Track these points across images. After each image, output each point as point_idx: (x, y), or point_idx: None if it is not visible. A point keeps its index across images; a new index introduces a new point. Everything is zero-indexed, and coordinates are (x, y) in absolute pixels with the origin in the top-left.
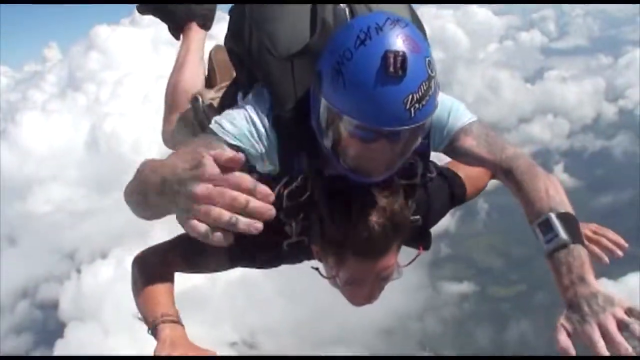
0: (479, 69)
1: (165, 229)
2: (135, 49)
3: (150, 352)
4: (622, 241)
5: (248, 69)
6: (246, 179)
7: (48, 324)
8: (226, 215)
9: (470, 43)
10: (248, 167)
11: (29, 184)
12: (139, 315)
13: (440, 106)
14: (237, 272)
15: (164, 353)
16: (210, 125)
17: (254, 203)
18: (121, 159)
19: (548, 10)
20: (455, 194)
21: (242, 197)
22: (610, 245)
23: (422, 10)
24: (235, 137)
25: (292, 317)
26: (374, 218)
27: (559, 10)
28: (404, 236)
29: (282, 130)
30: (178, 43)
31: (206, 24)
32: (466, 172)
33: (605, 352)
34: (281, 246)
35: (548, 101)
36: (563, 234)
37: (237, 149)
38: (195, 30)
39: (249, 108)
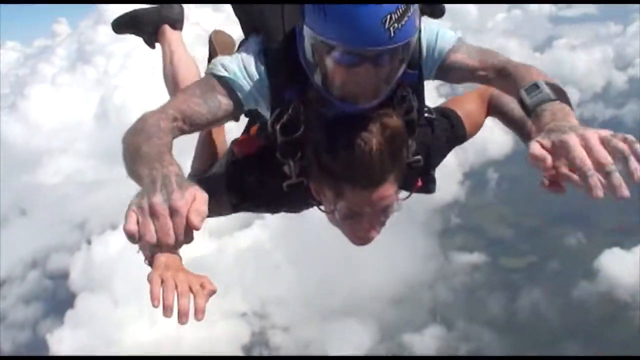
0: (487, 38)
1: None
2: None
3: (158, 329)
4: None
5: (246, 22)
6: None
7: (58, 294)
8: (153, 239)
9: (478, 12)
10: (248, 112)
11: (39, 157)
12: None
13: (428, 33)
14: (247, 241)
15: (157, 274)
16: (205, 70)
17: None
18: None
19: None
20: (455, 132)
21: (172, 239)
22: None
23: None
24: (227, 72)
25: (301, 287)
26: (369, 144)
27: None
28: (401, 165)
29: (272, 64)
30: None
31: (177, 25)
32: (464, 110)
33: (585, 163)
34: (281, 188)
35: (557, 70)
36: (549, 91)
37: (230, 86)
38: (169, 31)
39: (241, 51)
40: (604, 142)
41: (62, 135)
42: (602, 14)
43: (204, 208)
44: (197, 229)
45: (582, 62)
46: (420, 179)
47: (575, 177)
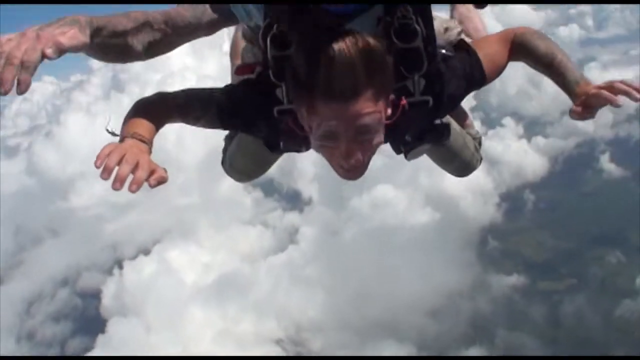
0: (519, 64)
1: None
2: (178, 52)
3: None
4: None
5: None
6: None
7: (87, 312)
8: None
9: None
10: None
11: (73, 182)
12: (111, 129)
13: None
14: (280, 264)
15: (114, 144)
16: None
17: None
18: (166, 154)
19: (585, 6)
20: (472, 73)
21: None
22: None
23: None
24: None
25: (336, 306)
26: (341, 53)
27: (596, 5)
28: (381, 82)
29: None
30: (218, 45)
31: None
32: (483, 52)
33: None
34: (272, 114)
35: None
36: None
37: None
38: None
39: None
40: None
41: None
42: (633, 35)
43: (63, 41)
44: (46, 56)
45: None
46: (405, 100)
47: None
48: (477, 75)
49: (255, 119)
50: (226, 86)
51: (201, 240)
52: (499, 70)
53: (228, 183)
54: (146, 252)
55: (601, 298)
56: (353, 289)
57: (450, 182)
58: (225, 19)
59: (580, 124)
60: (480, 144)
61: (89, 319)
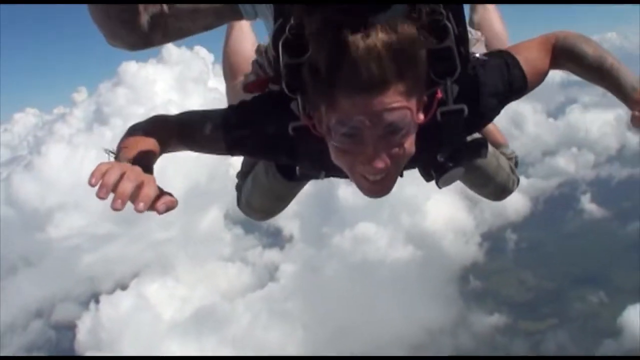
0: None
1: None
2: (162, 85)
3: None
4: None
5: None
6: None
7: (61, 345)
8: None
9: None
10: None
11: (51, 214)
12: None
13: None
14: (261, 294)
15: (105, 165)
16: None
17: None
18: None
19: None
20: (512, 79)
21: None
22: None
23: None
24: None
25: (315, 340)
26: (366, 40)
27: None
28: (413, 70)
29: None
30: (203, 80)
31: None
32: (522, 56)
33: None
34: (287, 132)
35: (572, 134)
36: None
37: None
38: None
39: None
40: None
41: (76, 193)
42: None
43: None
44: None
45: (596, 125)
46: (439, 91)
47: None
48: (517, 81)
49: (267, 138)
50: (231, 107)
51: (180, 276)
52: (540, 77)
53: (208, 219)
54: (124, 286)
55: (583, 338)
56: (333, 324)
57: (431, 221)
58: (230, 13)
59: (561, 165)
60: (516, 164)
61: (63, 351)
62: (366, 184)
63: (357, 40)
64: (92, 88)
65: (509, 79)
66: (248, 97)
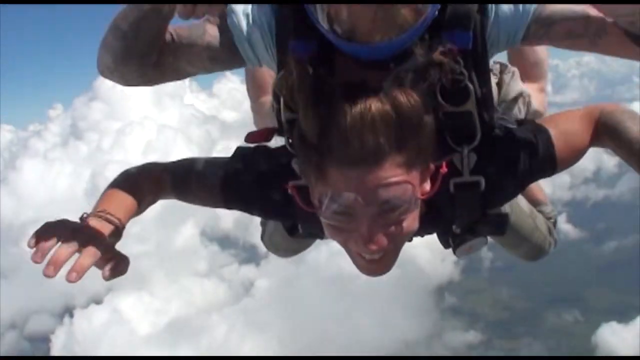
0: None
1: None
2: (138, 100)
3: None
4: None
5: None
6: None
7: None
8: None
9: None
10: None
11: (25, 228)
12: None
13: None
14: (237, 308)
15: (49, 224)
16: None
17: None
18: None
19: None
20: (540, 154)
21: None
22: None
23: None
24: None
25: (292, 347)
26: (362, 108)
27: (554, 71)
28: (413, 141)
29: (279, 15)
30: (180, 96)
31: None
32: (559, 129)
33: None
34: (285, 191)
35: None
36: None
37: (225, 22)
38: None
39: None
40: None
41: (52, 208)
42: (589, 100)
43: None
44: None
45: None
46: (445, 163)
47: None
48: (544, 162)
49: (266, 196)
50: (235, 151)
51: (155, 290)
52: (576, 155)
53: (184, 234)
54: (98, 300)
55: (557, 356)
56: (308, 337)
57: None
58: (228, 55)
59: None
60: (555, 224)
61: None
62: (362, 263)
63: (352, 106)
64: (68, 104)
65: (535, 158)
66: (274, 122)
